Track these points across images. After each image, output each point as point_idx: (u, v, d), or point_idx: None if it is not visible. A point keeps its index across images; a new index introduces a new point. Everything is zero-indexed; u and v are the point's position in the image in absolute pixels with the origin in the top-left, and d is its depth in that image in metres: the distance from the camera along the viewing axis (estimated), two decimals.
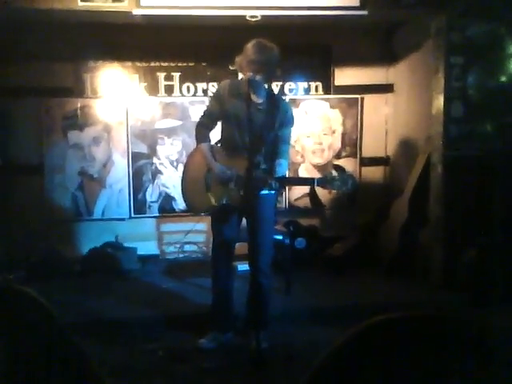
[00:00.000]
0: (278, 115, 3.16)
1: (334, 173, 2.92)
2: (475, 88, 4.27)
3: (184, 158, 5.16)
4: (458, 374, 0.97)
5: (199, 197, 3.30)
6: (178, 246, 5.36)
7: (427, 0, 4.23)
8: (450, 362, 0.97)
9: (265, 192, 3.15)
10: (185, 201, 3.46)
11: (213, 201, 3.19)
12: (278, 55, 3.06)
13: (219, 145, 3.34)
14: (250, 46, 3.02)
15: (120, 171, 5.24)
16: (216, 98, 3.29)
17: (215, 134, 3.38)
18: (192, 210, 3.63)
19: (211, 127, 3.33)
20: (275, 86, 5.17)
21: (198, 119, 3.38)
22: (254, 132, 3.04)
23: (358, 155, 5.55)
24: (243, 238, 3.38)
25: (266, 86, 3.21)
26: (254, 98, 3.14)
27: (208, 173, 3.24)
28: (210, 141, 3.32)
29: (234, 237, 3.36)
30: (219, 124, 3.34)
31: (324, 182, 2.93)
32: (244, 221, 3.38)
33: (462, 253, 4.14)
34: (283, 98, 3.72)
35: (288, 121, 3.23)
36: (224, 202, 3.16)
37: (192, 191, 3.36)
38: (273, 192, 3.30)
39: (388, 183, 5.64)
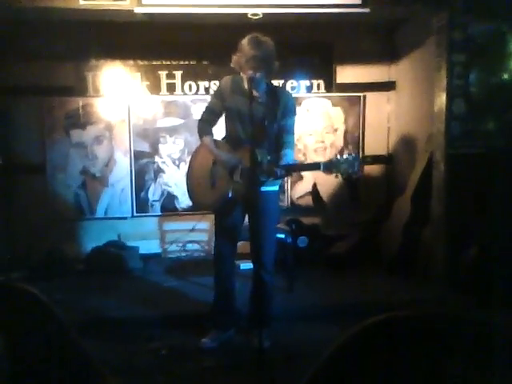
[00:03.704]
0: (279, 106, 3.16)
1: (339, 156, 2.88)
2: (477, 85, 4.26)
3: (186, 157, 5.17)
4: (459, 373, 0.97)
5: (204, 192, 3.31)
6: (180, 244, 5.36)
7: None
8: (451, 360, 0.97)
9: (268, 189, 3.15)
10: (190, 198, 3.47)
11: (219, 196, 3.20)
12: (274, 48, 3.04)
13: (223, 141, 3.35)
14: (245, 43, 3.00)
15: (122, 170, 5.24)
16: (217, 94, 3.29)
17: (219, 131, 3.39)
18: (198, 207, 3.64)
19: (213, 123, 3.34)
20: (278, 84, 5.17)
21: (199, 116, 3.39)
22: (256, 125, 3.04)
23: (360, 153, 5.54)
24: (245, 237, 3.38)
25: (268, 80, 3.21)
26: (254, 92, 3.13)
27: (213, 167, 3.25)
28: (212, 135, 3.32)
29: (237, 235, 3.36)
30: (222, 120, 3.35)
31: (330, 166, 2.89)
32: (246, 219, 3.39)
33: (464, 251, 4.14)
34: (283, 88, 3.69)
35: (289, 110, 3.22)
36: (230, 195, 3.16)
37: (198, 188, 3.36)
38: (276, 189, 3.31)
39: (390, 181, 5.63)
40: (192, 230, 5.18)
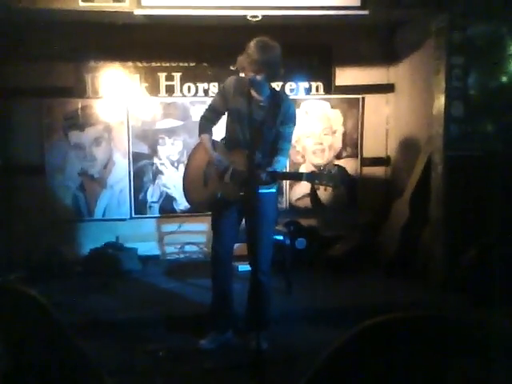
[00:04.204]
0: (279, 112, 3.17)
1: (323, 169, 2.94)
2: (476, 88, 4.27)
3: (185, 158, 5.17)
4: (459, 374, 0.97)
5: (196, 190, 3.34)
6: (178, 246, 5.36)
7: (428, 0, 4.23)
8: (450, 362, 0.97)
9: (265, 190, 3.16)
10: (184, 194, 3.49)
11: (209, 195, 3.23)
12: (280, 54, 3.05)
13: (223, 142, 3.35)
14: (252, 46, 3.00)
15: (121, 171, 5.24)
16: (221, 93, 3.31)
17: (219, 132, 3.40)
18: (190, 204, 3.67)
19: (214, 122, 3.35)
20: (276, 86, 5.17)
21: (202, 113, 3.40)
22: (254, 129, 3.05)
23: (359, 155, 5.54)
24: (242, 239, 3.38)
25: (269, 84, 3.21)
26: (256, 96, 3.14)
27: (207, 166, 3.27)
28: (211, 134, 3.33)
29: (233, 236, 3.37)
30: (223, 120, 3.36)
31: (312, 177, 2.97)
32: (243, 221, 3.39)
33: (463, 253, 4.14)
34: (287, 96, 3.71)
35: (289, 118, 3.23)
36: (219, 196, 3.18)
37: (191, 185, 3.40)
38: (273, 191, 3.31)
39: (389, 183, 5.63)
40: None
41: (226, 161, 3.17)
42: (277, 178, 3.36)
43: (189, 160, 3.52)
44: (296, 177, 3.43)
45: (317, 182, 2.96)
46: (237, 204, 3.23)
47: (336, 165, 5.42)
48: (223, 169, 3.16)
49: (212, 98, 3.42)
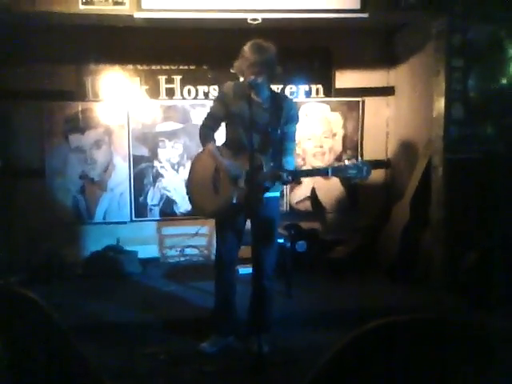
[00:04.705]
0: (282, 113, 3.16)
1: (348, 162, 2.88)
2: (476, 90, 4.27)
3: (185, 161, 5.18)
4: (459, 376, 0.97)
5: (207, 199, 3.28)
6: (179, 249, 5.35)
7: (428, 2, 4.23)
8: (451, 363, 0.97)
9: (270, 195, 3.15)
10: (192, 204, 3.44)
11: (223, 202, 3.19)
12: (275, 54, 3.05)
13: (224, 147, 3.34)
14: (247, 49, 3.02)
15: (121, 174, 5.24)
16: (220, 99, 3.29)
17: (220, 137, 3.38)
18: (200, 213, 3.61)
19: (215, 129, 3.32)
20: (276, 89, 5.17)
21: (201, 121, 3.37)
22: (259, 131, 3.06)
23: (359, 158, 5.54)
24: (245, 241, 3.37)
25: (268, 86, 3.21)
26: (257, 98, 3.14)
27: (216, 173, 3.23)
28: (215, 141, 3.31)
29: (238, 241, 3.35)
30: (223, 126, 3.35)
31: (338, 171, 2.90)
32: (247, 223, 3.38)
33: (463, 255, 4.14)
34: (286, 95, 3.70)
35: (292, 118, 3.23)
36: (234, 201, 3.14)
37: (200, 194, 3.33)
38: (277, 195, 3.31)
39: (389, 186, 5.63)
40: (195, 235, 5.18)
41: (237, 167, 3.13)
42: (299, 176, 3.32)
43: (193, 169, 3.43)
44: (321, 173, 3.35)
45: (341, 175, 2.91)
46: (244, 209, 3.21)
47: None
48: (237, 174, 3.13)
49: (210, 106, 3.37)
